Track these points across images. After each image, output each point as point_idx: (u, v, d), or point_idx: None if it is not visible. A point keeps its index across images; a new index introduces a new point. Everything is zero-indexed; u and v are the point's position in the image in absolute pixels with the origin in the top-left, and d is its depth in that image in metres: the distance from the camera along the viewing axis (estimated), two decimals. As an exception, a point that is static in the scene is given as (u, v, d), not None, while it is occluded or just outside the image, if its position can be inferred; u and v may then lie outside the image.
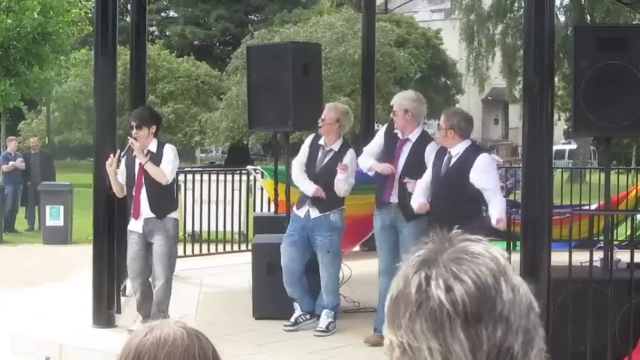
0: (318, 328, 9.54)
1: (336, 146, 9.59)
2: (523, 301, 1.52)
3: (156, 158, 9.37)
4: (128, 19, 24.87)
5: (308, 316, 9.75)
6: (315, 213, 9.55)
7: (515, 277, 1.54)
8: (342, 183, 9.33)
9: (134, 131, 9.37)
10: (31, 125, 44.64)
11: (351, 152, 9.58)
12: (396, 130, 9.11)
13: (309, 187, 9.48)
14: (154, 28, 58.62)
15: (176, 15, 61.83)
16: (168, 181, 9.51)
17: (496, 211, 8.17)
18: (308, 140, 9.86)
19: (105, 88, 10.13)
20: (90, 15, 30.40)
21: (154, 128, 9.49)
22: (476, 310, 1.47)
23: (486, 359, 1.47)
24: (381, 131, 9.57)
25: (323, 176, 9.49)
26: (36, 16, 29.97)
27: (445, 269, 1.50)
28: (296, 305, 9.75)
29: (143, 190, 9.38)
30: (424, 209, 8.51)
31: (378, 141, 9.37)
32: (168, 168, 9.42)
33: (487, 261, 1.52)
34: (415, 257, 1.55)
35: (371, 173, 9.32)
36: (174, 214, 9.59)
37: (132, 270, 9.55)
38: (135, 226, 9.47)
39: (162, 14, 62.31)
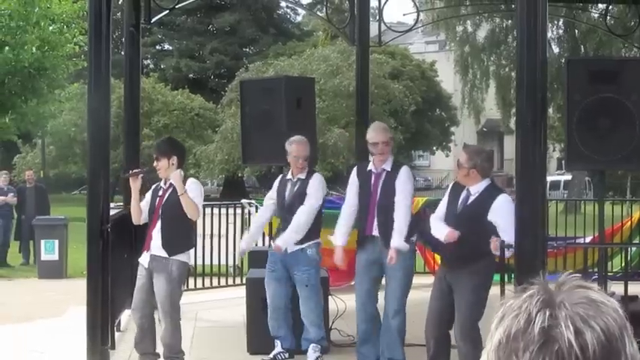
0: None
1: (302, 175, 9.71)
2: (638, 357, 1.48)
3: (175, 192, 9.11)
4: (123, 52, 24.89)
5: (287, 355, 9.70)
6: (291, 247, 9.56)
7: None
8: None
9: (154, 163, 9.25)
10: (26, 159, 44.59)
11: (316, 176, 9.71)
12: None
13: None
14: (148, 61, 58.70)
15: (171, 48, 61.91)
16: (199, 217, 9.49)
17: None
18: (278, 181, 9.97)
19: (98, 122, 10.09)
20: (85, 49, 30.36)
21: (174, 159, 9.19)
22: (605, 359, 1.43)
23: None
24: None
25: (293, 205, 9.61)
26: (34, 50, 29.94)
27: (573, 312, 1.46)
28: (277, 342, 9.71)
29: (158, 225, 9.20)
30: (454, 237, 8.23)
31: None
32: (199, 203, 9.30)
33: (611, 311, 1.48)
34: (533, 295, 1.50)
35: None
36: (182, 256, 9.18)
37: (134, 301, 9.38)
38: (143, 259, 9.30)
39: (157, 47, 62.39)
